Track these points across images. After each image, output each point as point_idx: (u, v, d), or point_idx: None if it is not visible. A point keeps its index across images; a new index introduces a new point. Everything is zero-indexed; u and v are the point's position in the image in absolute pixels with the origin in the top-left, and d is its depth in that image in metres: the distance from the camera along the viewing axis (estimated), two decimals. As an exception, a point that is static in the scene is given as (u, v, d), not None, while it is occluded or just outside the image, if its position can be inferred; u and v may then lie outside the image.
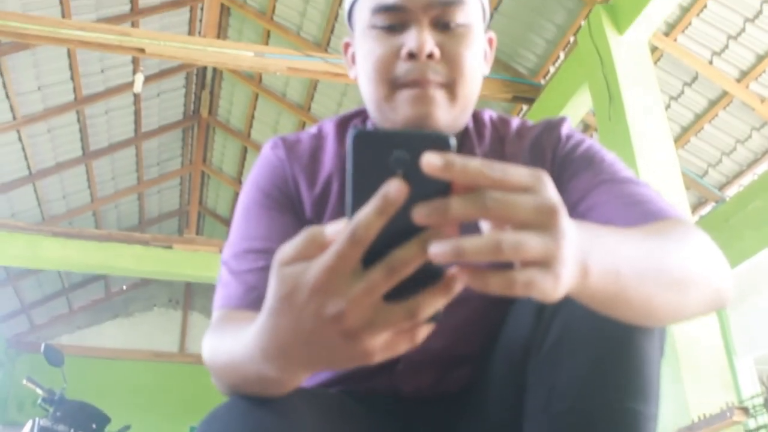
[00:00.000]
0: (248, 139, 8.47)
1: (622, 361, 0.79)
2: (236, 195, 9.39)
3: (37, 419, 4.44)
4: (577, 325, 0.81)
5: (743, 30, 4.85)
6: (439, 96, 0.93)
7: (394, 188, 0.48)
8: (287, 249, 0.53)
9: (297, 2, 6.63)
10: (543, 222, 0.50)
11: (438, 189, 0.50)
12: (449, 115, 0.95)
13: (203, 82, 8.20)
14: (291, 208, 1.00)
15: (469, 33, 0.96)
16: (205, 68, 7.90)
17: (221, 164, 9.26)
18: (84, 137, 7.49)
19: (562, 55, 5.35)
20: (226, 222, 9.95)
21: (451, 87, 0.94)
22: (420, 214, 0.49)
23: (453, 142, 0.50)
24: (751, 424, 4.52)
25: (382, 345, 0.53)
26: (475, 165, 0.49)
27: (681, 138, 5.68)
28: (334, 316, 0.51)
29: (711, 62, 5.14)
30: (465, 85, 0.95)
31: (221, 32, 7.39)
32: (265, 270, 0.92)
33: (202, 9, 7.20)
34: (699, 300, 0.71)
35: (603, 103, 4.39)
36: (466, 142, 1.03)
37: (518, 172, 0.50)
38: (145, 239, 7.30)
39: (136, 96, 7.43)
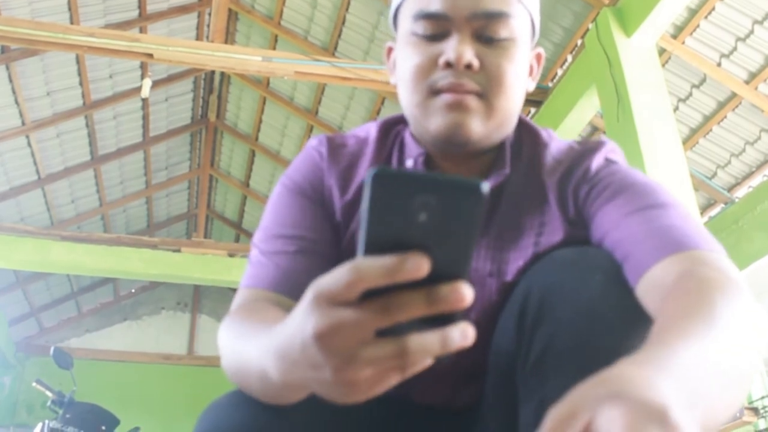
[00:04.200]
0: (256, 142, 8.49)
1: None
2: (244, 198, 9.41)
3: (46, 421, 4.45)
4: (561, 337, 0.78)
5: (752, 32, 4.84)
6: (474, 105, 0.90)
7: (414, 263, 0.47)
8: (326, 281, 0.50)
9: (304, 7, 6.65)
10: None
11: (463, 239, 0.48)
12: (484, 128, 0.91)
13: (211, 86, 8.22)
14: (322, 204, 0.99)
15: (512, 47, 0.92)
16: (212, 73, 7.92)
17: (229, 168, 9.27)
18: (92, 142, 7.52)
19: (569, 58, 5.34)
20: (235, 225, 9.97)
21: (487, 98, 0.90)
22: (440, 298, 0.47)
23: (486, 189, 0.46)
24: (761, 424, 4.52)
25: (368, 380, 0.50)
26: None
27: (689, 140, 5.67)
28: (314, 335, 0.49)
29: (719, 64, 5.12)
30: (503, 98, 0.91)
31: (229, 37, 7.40)
32: (296, 255, 0.92)
33: (209, 14, 7.22)
34: (748, 384, 0.65)
35: (611, 105, 4.38)
36: (499, 161, 0.98)
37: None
38: (154, 243, 7.32)
39: (144, 101, 7.45)
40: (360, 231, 0.48)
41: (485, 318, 0.94)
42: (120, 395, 8.18)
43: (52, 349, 4.71)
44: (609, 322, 0.77)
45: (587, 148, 0.99)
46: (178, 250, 7.30)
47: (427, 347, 0.49)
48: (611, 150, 1.00)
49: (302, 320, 0.51)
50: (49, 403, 4.61)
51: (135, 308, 10.13)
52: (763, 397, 4.81)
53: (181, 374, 9.46)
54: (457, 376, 0.99)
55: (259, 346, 0.64)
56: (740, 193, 5.92)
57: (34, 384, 4.68)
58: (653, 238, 0.80)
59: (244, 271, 0.96)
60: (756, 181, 5.78)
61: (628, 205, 0.87)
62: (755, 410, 3.70)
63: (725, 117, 5.46)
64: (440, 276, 0.48)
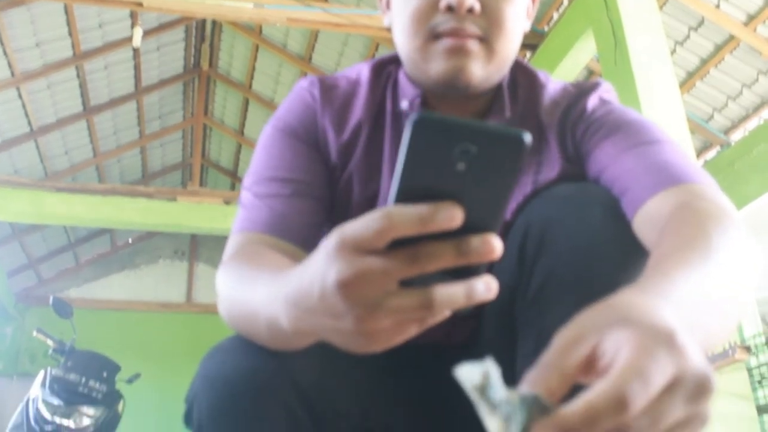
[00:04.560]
0: (249, 90, 8.41)
1: None
2: (239, 147, 9.37)
3: (49, 369, 4.51)
4: (560, 269, 0.80)
5: (750, -29, 4.77)
6: (476, 49, 0.90)
7: (448, 213, 0.46)
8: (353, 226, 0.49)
9: (296, -50, 6.52)
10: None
11: (498, 191, 0.47)
12: (484, 71, 0.91)
13: (203, 34, 8.10)
14: (316, 146, 0.99)
15: None
16: (204, 21, 7.80)
17: (223, 117, 9.21)
18: (84, 92, 7.44)
19: (566, 1, 5.27)
20: (230, 174, 9.94)
21: (488, 42, 0.90)
22: (470, 249, 0.47)
23: (528, 140, 0.45)
24: (753, 362, 4.60)
25: (388, 331, 0.50)
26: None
27: (686, 83, 5.63)
28: (338, 283, 0.48)
29: (718, 6, 5.06)
30: (504, 41, 0.92)
31: (219, -18, 7.27)
32: (291, 198, 0.92)
33: (199, -41, 7.08)
34: (739, 315, 0.66)
35: (608, 48, 4.34)
36: (497, 101, 0.99)
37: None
38: (149, 192, 7.30)
39: (136, 50, 7.35)
40: (393, 177, 0.48)
41: None
42: (120, 343, 8.25)
43: (51, 298, 4.75)
44: (608, 254, 0.78)
45: (583, 89, 1.00)
46: (174, 199, 7.28)
47: (452, 299, 0.48)
48: (606, 90, 1.01)
49: (324, 267, 0.49)
50: (50, 351, 4.66)
51: (132, 258, 10.16)
52: (755, 336, 4.88)
53: (180, 322, 9.54)
54: (454, 314, 1.00)
55: (267, 292, 0.63)
56: (736, 136, 5.91)
57: (34, 333, 4.73)
58: (650, 173, 0.82)
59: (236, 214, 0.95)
60: (752, 124, 5.76)
61: (625, 141, 0.88)
62: (747, 348, 3.76)
63: (723, 60, 5.41)
64: (471, 227, 0.47)
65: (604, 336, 0.45)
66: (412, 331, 0.51)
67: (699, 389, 0.43)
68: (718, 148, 6.06)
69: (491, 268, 0.95)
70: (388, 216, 0.46)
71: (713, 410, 0.43)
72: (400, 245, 0.47)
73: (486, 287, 0.49)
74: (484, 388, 0.43)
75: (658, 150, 0.85)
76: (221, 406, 0.78)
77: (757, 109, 5.69)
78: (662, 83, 4.13)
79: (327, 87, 1.02)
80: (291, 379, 0.80)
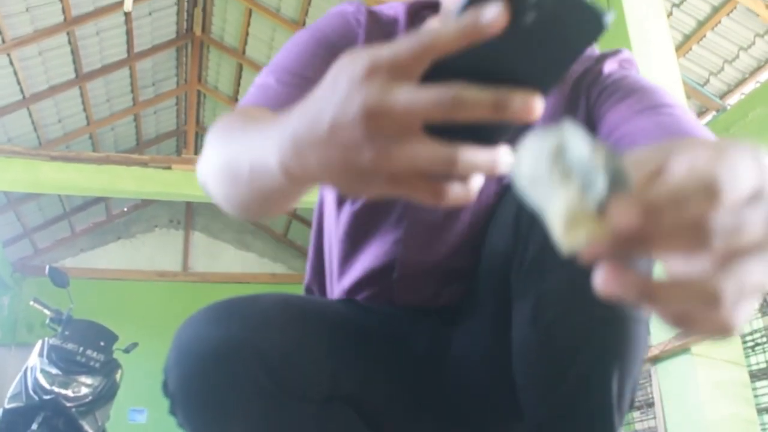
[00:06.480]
0: (243, 56, 8.33)
1: None
2: (233, 114, 9.29)
3: (46, 339, 4.53)
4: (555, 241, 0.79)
5: (749, -68, 4.71)
6: None
7: (491, 14, 0.41)
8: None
9: None
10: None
11: (557, 60, 0.44)
12: None
13: (195, -1, 8.02)
14: None
15: None
16: (196, -16, 7.70)
17: (217, 83, 9.14)
18: (76, 59, 7.36)
19: (561, -37, 5.21)
20: (224, 142, 9.88)
21: None
22: (510, 105, 0.42)
23: (609, 22, 0.42)
24: (746, 329, 4.63)
25: (398, 178, 0.45)
26: None
27: (683, 46, 5.58)
28: (365, 110, 0.43)
29: (715, -33, 5.01)
30: None
31: (211, -54, 7.16)
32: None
33: None
34: None
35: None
36: None
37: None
38: (144, 160, 7.26)
39: (127, 15, 7.26)
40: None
41: (479, 220, 0.97)
42: (117, 313, 8.27)
43: (47, 268, 4.74)
44: None
45: (602, 54, 1.02)
46: (169, 168, 7.24)
47: (476, 163, 0.44)
48: (625, 59, 1.02)
49: (346, 92, 0.44)
50: (47, 321, 4.67)
51: (128, 227, 10.15)
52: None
53: (176, 291, 9.55)
54: (442, 276, 1.01)
55: (259, 133, 0.57)
56: (732, 100, 5.88)
57: (31, 303, 4.73)
58: (660, 132, 0.82)
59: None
60: (749, 87, 5.73)
61: (639, 104, 0.89)
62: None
63: (719, 22, 5.36)
64: (514, 81, 0.43)
65: (683, 156, 0.38)
66: (420, 192, 0.46)
67: None
68: (714, 113, 6.04)
69: (482, 237, 0.94)
70: (426, 31, 0.42)
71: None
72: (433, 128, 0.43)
73: (507, 161, 0.46)
74: (559, 152, 0.37)
75: (671, 112, 0.86)
76: (190, 378, 0.79)
77: (753, 72, 5.65)
78: (658, 46, 4.09)
79: (374, 18, 1.02)
80: (257, 350, 0.79)
